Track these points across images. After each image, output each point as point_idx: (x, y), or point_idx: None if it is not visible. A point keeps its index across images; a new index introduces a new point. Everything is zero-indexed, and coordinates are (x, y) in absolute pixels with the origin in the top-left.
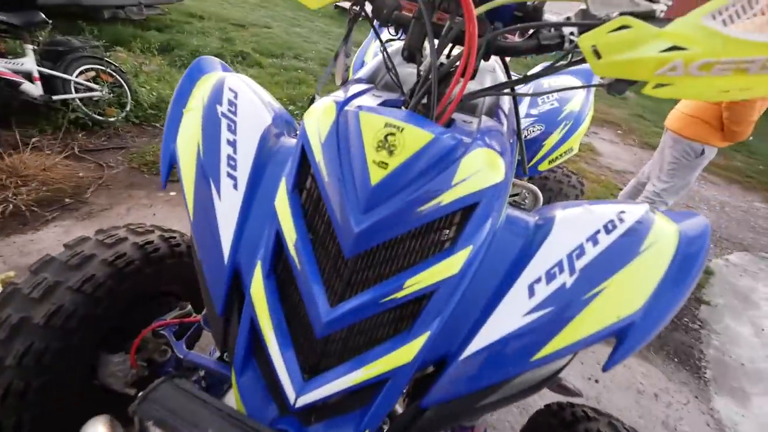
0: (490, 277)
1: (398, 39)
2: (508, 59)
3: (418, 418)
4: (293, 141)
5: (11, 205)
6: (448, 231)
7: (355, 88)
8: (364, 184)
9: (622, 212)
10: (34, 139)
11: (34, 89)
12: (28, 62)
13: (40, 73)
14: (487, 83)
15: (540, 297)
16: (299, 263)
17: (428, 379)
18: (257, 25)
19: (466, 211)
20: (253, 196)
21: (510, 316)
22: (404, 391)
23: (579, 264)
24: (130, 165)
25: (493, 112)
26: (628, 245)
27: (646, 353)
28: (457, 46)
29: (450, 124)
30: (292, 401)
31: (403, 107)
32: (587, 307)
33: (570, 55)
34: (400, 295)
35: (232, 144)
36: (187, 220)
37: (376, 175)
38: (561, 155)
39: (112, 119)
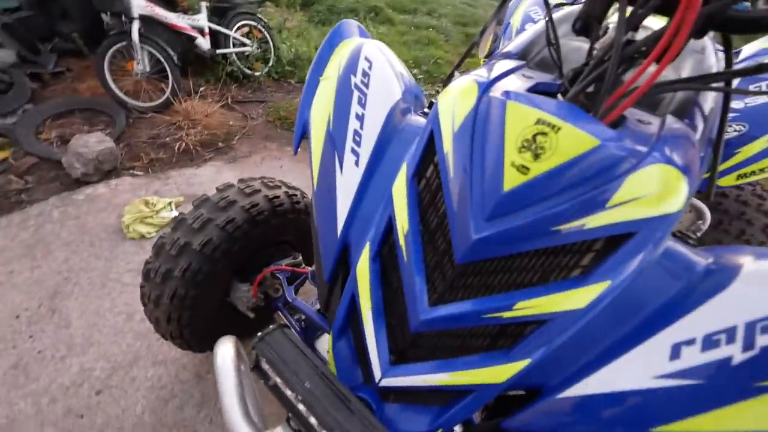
0: (623, 319)
1: (569, 3)
2: (732, 38)
3: None
4: (419, 120)
5: (184, 144)
6: (583, 257)
7: (502, 66)
8: (495, 189)
9: None
10: (201, 89)
11: (204, 43)
12: (203, 18)
13: (209, 28)
14: (685, 71)
15: (687, 363)
16: (406, 255)
17: (514, 399)
18: None
19: (615, 240)
20: (372, 176)
21: (637, 371)
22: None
23: (762, 341)
24: (267, 118)
25: (686, 110)
26: None
27: None
28: (652, 18)
29: (619, 123)
30: (376, 379)
31: (559, 95)
32: (755, 398)
33: None
34: (506, 315)
35: (360, 119)
36: (308, 177)
37: (512, 181)
38: (760, 171)
39: (257, 74)
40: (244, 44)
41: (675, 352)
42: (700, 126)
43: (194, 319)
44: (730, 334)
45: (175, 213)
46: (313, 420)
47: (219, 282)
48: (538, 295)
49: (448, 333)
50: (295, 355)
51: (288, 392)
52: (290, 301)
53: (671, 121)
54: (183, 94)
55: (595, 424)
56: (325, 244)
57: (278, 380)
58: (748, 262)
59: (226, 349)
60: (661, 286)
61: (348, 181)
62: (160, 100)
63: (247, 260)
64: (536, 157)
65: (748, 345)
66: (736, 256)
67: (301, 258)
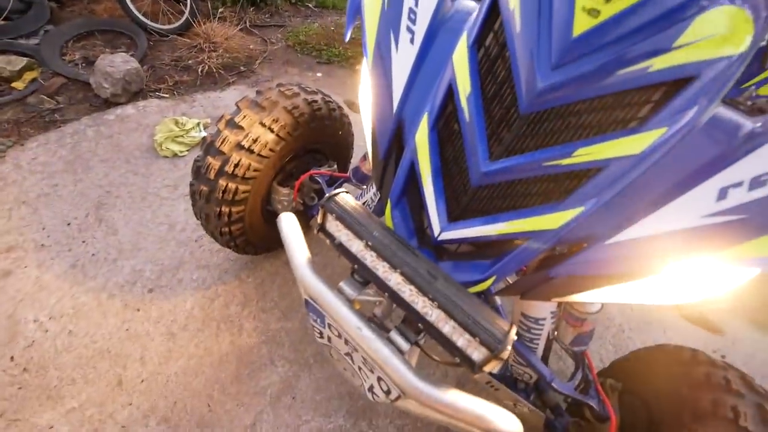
0: (673, 170)
1: None
2: None
3: (541, 283)
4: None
5: (207, 66)
6: (641, 109)
7: None
8: (564, 35)
9: None
10: (219, 11)
11: None
12: None
13: None
14: None
15: (733, 202)
16: (468, 114)
17: (557, 258)
18: None
19: (675, 86)
20: (427, 53)
21: (684, 213)
22: (529, 263)
23: None
24: (287, 43)
25: None
26: None
27: None
28: None
29: None
30: (436, 233)
31: None
32: None
33: None
34: (566, 162)
35: None
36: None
37: (582, 25)
38: None
39: None
40: None
41: (722, 194)
42: None
43: (241, 216)
44: None
45: (204, 133)
46: (380, 266)
47: (263, 182)
48: (597, 142)
49: (504, 191)
50: (361, 213)
51: (355, 245)
52: None
53: None
54: (201, 17)
55: (642, 262)
56: (380, 122)
57: (344, 237)
58: None
59: (290, 218)
60: (711, 141)
61: (403, 59)
62: (180, 22)
63: (288, 164)
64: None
65: None
66: None
67: (336, 166)
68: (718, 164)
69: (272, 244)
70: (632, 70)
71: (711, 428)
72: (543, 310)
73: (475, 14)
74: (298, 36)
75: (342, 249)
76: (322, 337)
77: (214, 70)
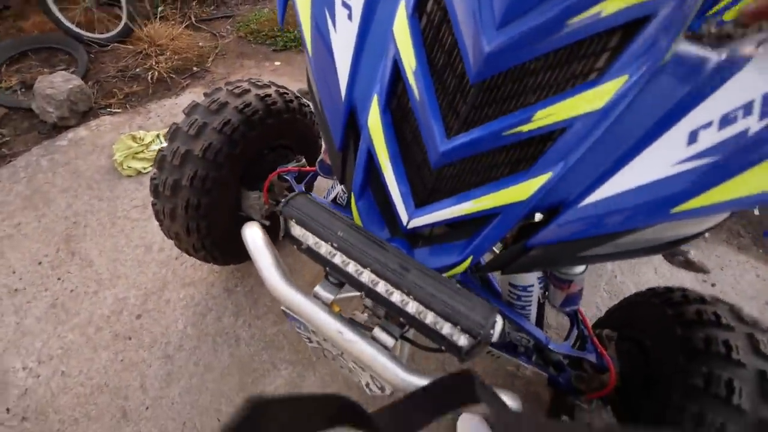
0: (639, 121)
1: None
2: None
3: (520, 256)
4: None
5: (156, 73)
6: (598, 60)
7: None
8: None
9: None
10: (159, 9)
11: None
12: None
13: None
14: None
15: (704, 144)
16: (417, 91)
17: (534, 227)
18: None
19: (631, 28)
20: (368, 28)
21: (656, 163)
22: (507, 235)
23: None
24: (238, 34)
25: None
26: None
27: None
28: None
29: None
30: (404, 222)
31: None
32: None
33: None
34: (526, 128)
35: None
36: (296, 87)
37: None
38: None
39: None
40: None
41: (692, 138)
42: None
43: (212, 228)
44: (747, 108)
45: (165, 144)
46: (351, 267)
47: (228, 189)
48: (556, 102)
49: (468, 167)
50: (323, 212)
51: (323, 247)
52: None
53: None
54: (141, 19)
55: (617, 219)
56: (330, 112)
57: (311, 240)
58: (760, 47)
59: (253, 231)
60: (677, 82)
61: (344, 38)
62: (119, 29)
63: (252, 166)
64: None
65: (766, 113)
66: (748, 45)
67: (305, 160)
68: (686, 106)
69: None
70: (583, 18)
71: (705, 366)
72: (529, 277)
73: None
74: (249, 25)
75: (311, 253)
76: (311, 341)
77: (165, 75)
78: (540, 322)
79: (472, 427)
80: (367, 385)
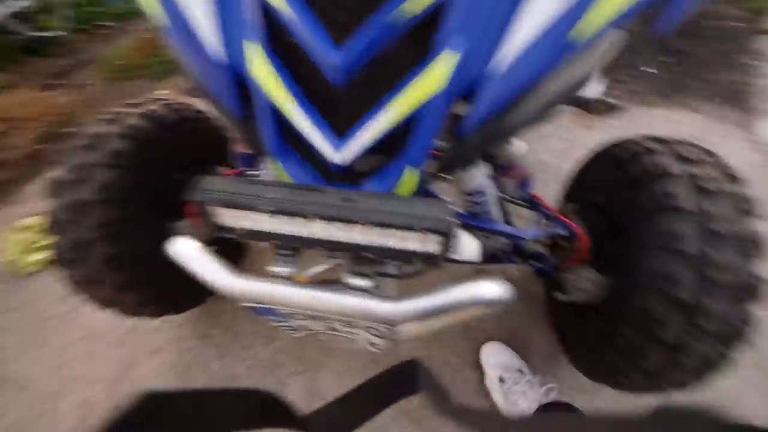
0: None
1: None
2: None
3: (459, 149)
4: None
5: (21, 150)
6: None
7: None
8: None
9: None
10: None
11: None
12: None
13: None
14: None
15: None
16: (292, 15)
17: (462, 116)
18: None
19: None
20: None
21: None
22: (442, 131)
23: None
24: (105, 77)
25: None
26: None
27: (691, 102)
28: None
29: None
30: (334, 159)
31: None
32: None
33: None
34: (408, 6)
35: None
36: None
37: None
38: None
39: (51, 33)
40: None
41: None
42: None
43: (149, 277)
44: None
45: None
46: (297, 225)
47: (141, 230)
48: None
49: (372, 75)
50: (244, 184)
51: (261, 219)
52: None
53: None
54: None
55: (530, 69)
56: (211, 82)
57: (247, 220)
58: None
59: (179, 244)
60: None
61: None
62: None
63: (166, 194)
64: None
65: None
66: None
67: (223, 168)
68: None
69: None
70: None
71: (661, 220)
72: (476, 178)
73: None
74: (113, 62)
75: (251, 234)
76: (296, 330)
77: (35, 148)
78: (508, 220)
79: (498, 350)
80: (371, 343)
